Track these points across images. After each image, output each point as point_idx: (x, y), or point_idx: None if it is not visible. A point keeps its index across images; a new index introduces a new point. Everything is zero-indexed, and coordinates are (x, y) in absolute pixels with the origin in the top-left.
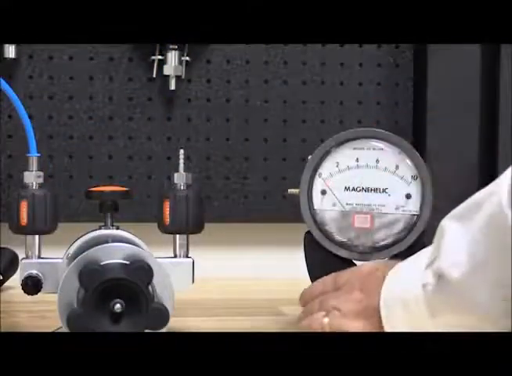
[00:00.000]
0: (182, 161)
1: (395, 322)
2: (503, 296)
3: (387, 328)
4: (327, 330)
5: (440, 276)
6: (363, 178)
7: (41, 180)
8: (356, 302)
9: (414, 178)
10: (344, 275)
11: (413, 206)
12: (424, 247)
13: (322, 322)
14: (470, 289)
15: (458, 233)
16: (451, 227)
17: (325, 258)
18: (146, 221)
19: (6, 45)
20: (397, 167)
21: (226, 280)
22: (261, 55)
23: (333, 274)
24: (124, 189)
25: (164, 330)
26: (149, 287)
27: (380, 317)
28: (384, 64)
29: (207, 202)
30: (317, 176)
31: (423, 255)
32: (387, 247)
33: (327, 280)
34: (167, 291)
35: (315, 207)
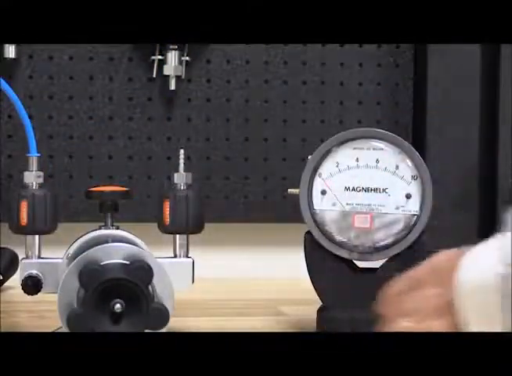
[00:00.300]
0: (182, 161)
1: (471, 311)
2: None
3: (463, 319)
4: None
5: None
6: (363, 178)
7: (41, 180)
8: (435, 298)
9: (414, 178)
10: (418, 272)
11: (413, 206)
12: (424, 247)
13: (407, 327)
14: None
15: None
16: None
17: (325, 258)
18: (146, 221)
19: (6, 45)
20: (397, 167)
21: (226, 280)
22: (261, 55)
23: (408, 273)
24: (124, 189)
25: (164, 330)
26: (149, 287)
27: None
28: (383, 64)
29: (207, 202)
30: (317, 176)
31: (496, 242)
32: (387, 247)
33: (402, 281)
34: (167, 291)
35: (315, 207)
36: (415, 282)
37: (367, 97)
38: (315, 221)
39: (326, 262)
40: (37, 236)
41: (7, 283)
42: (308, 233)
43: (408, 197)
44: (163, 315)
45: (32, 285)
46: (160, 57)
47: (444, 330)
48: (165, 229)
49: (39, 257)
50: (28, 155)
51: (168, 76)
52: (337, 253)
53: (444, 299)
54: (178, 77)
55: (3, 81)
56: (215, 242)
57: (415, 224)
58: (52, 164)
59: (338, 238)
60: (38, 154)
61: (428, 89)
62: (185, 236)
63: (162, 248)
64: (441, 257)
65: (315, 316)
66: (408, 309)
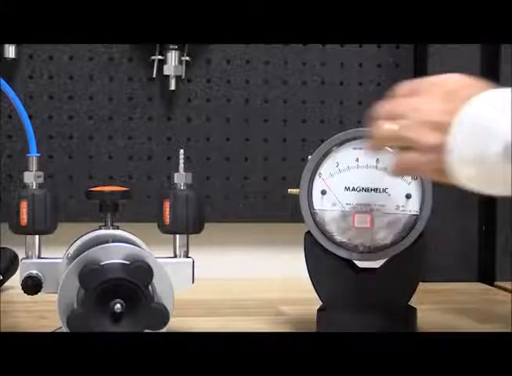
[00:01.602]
0: (182, 161)
1: (463, 151)
2: None
3: (452, 151)
4: (385, 137)
5: None
6: (363, 178)
7: (41, 180)
8: (434, 112)
9: (414, 178)
10: (425, 83)
11: (413, 206)
12: (424, 247)
13: (389, 130)
14: None
15: None
16: None
17: (325, 258)
18: (146, 221)
19: (6, 45)
20: None
21: (226, 280)
22: (261, 55)
23: (410, 82)
24: (124, 189)
25: (164, 330)
26: (149, 287)
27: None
28: (384, 64)
29: (207, 202)
30: (317, 176)
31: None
32: (387, 247)
33: (404, 88)
34: (167, 291)
35: (315, 207)
36: (418, 90)
37: (367, 97)
38: (315, 221)
39: (326, 262)
40: (37, 236)
41: (7, 283)
42: (308, 233)
43: (408, 197)
44: (163, 315)
45: (32, 285)
46: (160, 57)
47: (428, 147)
48: (165, 229)
49: (39, 257)
50: (28, 155)
51: (168, 76)
52: (337, 253)
53: (445, 120)
54: (178, 77)
55: (3, 81)
56: (215, 242)
57: (415, 224)
58: (52, 164)
59: (338, 238)
60: (38, 154)
61: None
62: (185, 236)
63: (162, 248)
64: (458, 79)
65: (315, 316)
66: (398, 113)
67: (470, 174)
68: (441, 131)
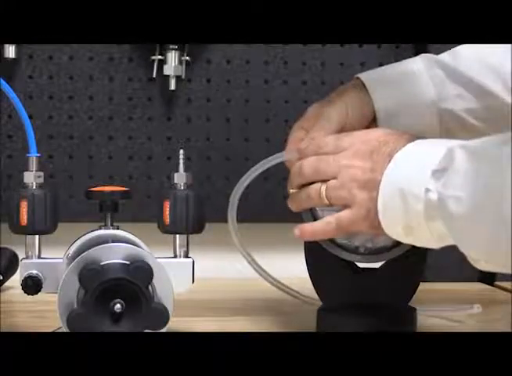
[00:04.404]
0: (182, 161)
1: (390, 208)
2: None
3: (381, 209)
4: (324, 200)
5: (441, 197)
6: None
7: (41, 180)
8: (361, 171)
9: None
10: (348, 138)
11: None
12: (425, 248)
13: (320, 191)
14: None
15: (468, 171)
16: (461, 157)
17: (325, 260)
18: (146, 221)
19: (6, 45)
20: None
21: (226, 280)
22: (261, 55)
23: (333, 136)
24: (124, 189)
25: (164, 330)
26: (149, 287)
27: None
28: (384, 64)
29: (207, 202)
30: None
31: (434, 153)
32: (387, 249)
33: (329, 140)
34: (167, 291)
35: (316, 208)
36: (344, 146)
37: None
38: (315, 221)
39: (326, 262)
40: (37, 236)
41: (7, 283)
42: None
43: None
44: (163, 315)
45: (32, 285)
46: (160, 57)
47: (359, 204)
48: (165, 229)
49: (39, 257)
50: (28, 155)
51: (168, 76)
52: (337, 254)
53: (372, 179)
54: (178, 77)
55: (3, 81)
56: (215, 242)
57: None
58: (52, 164)
59: (338, 239)
60: (38, 154)
61: None
62: (185, 236)
63: (162, 248)
64: (380, 135)
65: (315, 316)
66: (327, 173)
67: (397, 232)
68: (370, 189)
